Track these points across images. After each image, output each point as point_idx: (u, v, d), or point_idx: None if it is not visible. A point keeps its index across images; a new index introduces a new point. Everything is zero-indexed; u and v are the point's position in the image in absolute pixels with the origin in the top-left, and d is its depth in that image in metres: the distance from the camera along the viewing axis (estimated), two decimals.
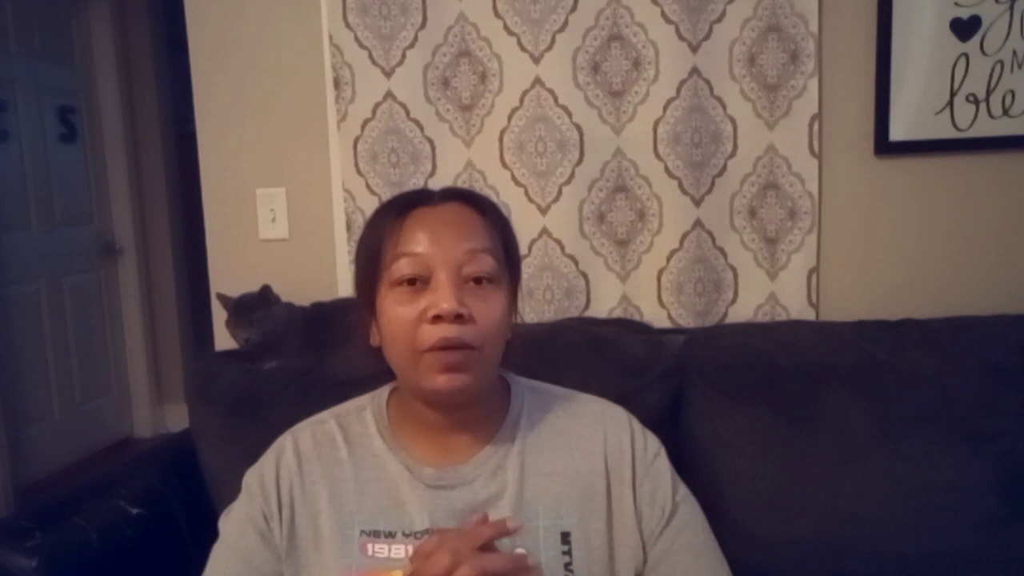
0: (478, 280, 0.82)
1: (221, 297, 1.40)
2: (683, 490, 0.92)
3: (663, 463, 0.91)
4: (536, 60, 1.47)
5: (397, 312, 0.82)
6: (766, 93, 1.44)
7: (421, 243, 0.82)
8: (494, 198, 1.48)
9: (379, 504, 0.85)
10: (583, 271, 1.52)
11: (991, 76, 1.41)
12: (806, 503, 1.18)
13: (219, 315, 1.50)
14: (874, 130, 1.44)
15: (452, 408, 0.86)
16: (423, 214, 0.85)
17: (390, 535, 0.83)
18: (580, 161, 1.48)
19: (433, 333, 0.79)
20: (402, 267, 0.82)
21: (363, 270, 0.87)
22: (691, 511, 0.91)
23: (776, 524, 1.18)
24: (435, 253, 0.82)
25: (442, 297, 0.79)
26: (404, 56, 1.50)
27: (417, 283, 0.82)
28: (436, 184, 1.47)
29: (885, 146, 1.44)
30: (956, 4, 1.39)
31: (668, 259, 1.49)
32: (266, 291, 1.37)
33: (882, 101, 1.43)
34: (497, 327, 0.83)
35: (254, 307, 1.36)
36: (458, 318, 0.79)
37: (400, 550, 0.82)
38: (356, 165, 1.54)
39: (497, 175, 1.51)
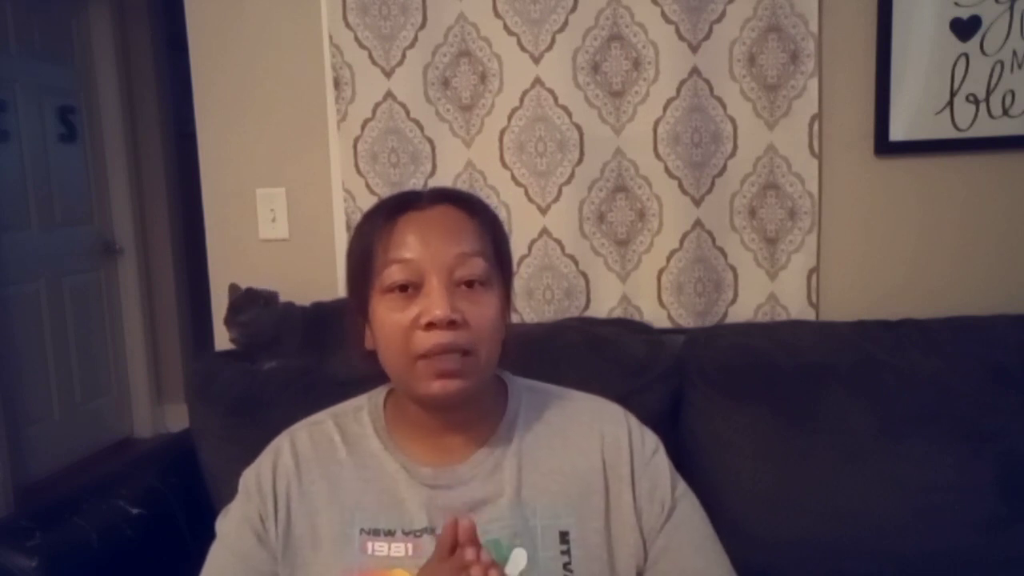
0: (470, 283, 0.82)
1: (232, 288, 1.39)
2: (682, 486, 0.92)
3: (661, 459, 0.91)
4: (536, 60, 1.47)
5: (390, 319, 0.82)
6: (766, 93, 1.44)
7: (411, 248, 0.82)
8: (494, 198, 1.49)
9: (379, 502, 0.85)
10: (583, 271, 1.52)
11: (991, 76, 1.41)
12: (806, 503, 1.18)
13: (219, 315, 1.50)
14: (874, 130, 1.44)
15: (448, 410, 0.86)
16: (412, 218, 0.84)
17: (390, 533, 0.84)
18: (580, 161, 1.48)
19: (427, 340, 0.79)
20: (393, 273, 0.82)
21: (354, 275, 0.87)
22: (690, 507, 0.91)
23: (776, 524, 1.18)
24: (426, 258, 0.81)
25: (435, 303, 0.79)
26: (404, 56, 1.50)
27: (409, 289, 0.82)
28: (435, 184, 1.48)
29: (885, 146, 1.44)
30: (956, 4, 1.39)
31: (668, 259, 1.49)
32: (251, 294, 1.36)
33: (882, 101, 1.43)
34: (491, 329, 0.83)
35: (241, 308, 1.36)
36: (451, 324, 0.79)
37: (400, 548, 0.83)
38: (356, 165, 1.54)
39: (497, 175, 1.51)
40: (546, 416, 0.91)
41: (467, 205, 0.88)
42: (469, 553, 0.71)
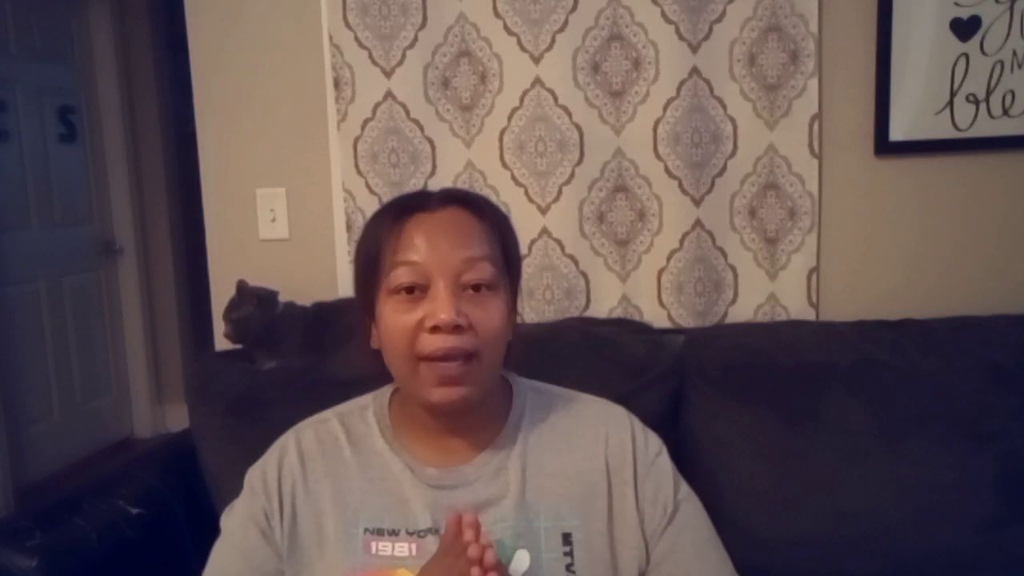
0: (476, 288, 0.82)
1: (239, 284, 1.39)
2: (685, 488, 0.92)
3: (664, 462, 0.91)
4: (536, 60, 1.47)
5: (396, 320, 0.82)
6: (766, 93, 1.44)
7: (419, 251, 0.82)
8: (494, 198, 1.48)
9: (383, 503, 0.85)
10: (583, 271, 1.52)
11: (991, 76, 1.41)
12: (806, 503, 1.18)
13: (220, 315, 1.50)
14: (874, 130, 1.44)
15: (452, 414, 0.86)
16: (421, 220, 0.85)
17: (394, 533, 0.84)
18: (580, 161, 1.48)
19: (431, 343, 0.80)
20: (400, 275, 0.82)
21: (362, 275, 0.87)
22: (693, 509, 0.91)
23: (776, 524, 1.18)
24: (433, 261, 0.81)
25: (440, 307, 0.79)
26: (404, 56, 1.50)
27: (415, 291, 0.82)
28: (436, 185, 1.48)
29: (885, 146, 1.44)
30: (956, 4, 1.39)
31: (668, 259, 1.49)
32: (246, 292, 1.36)
33: (882, 101, 1.43)
34: (496, 334, 0.83)
35: (235, 305, 1.36)
36: (456, 328, 0.79)
37: (404, 548, 0.83)
38: (356, 165, 1.54)
39: (497, 175, 1.51)
40: (551, 418, 0.91)
41: (476, 207, 0.88)
42: (468, 534, 0.72)
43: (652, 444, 0.92)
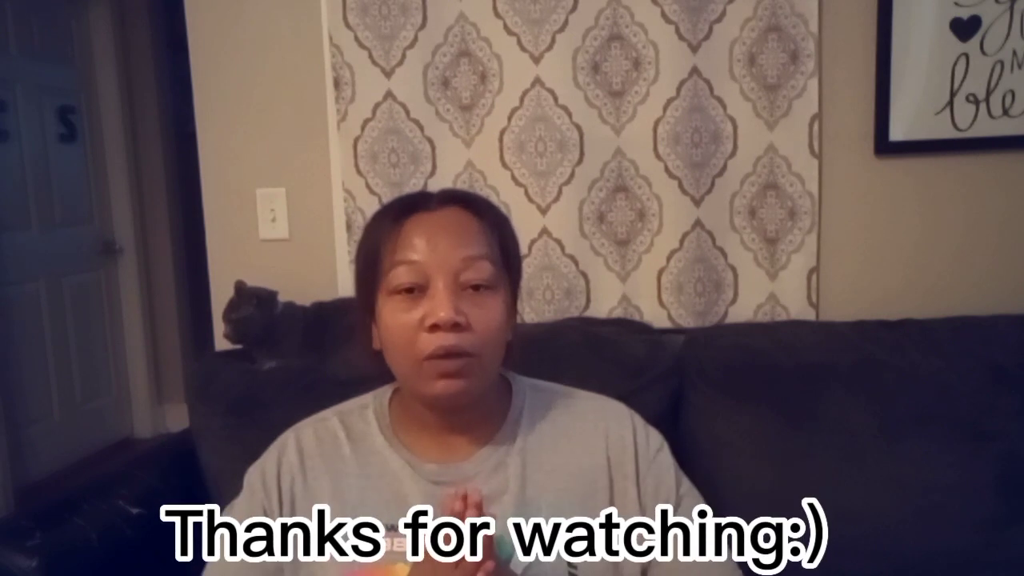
0: (476, 287, 0.83)
1: (238, 284, 1.39)
2: (686, 484, 0.92)
3: (666, 457, 0.92)
4: (536, 60, 1.47)
5: (396, 320, 0.82)
6: (766, 93, 1.44)
7: (418, 251, 0.82)
8: (494, 198, 1.49)
9: (382, 499, 0.86)
10: (583, 271, 1.52)
11: (991, 76, 1.41)
12: None
13: (220, 315, 1.50)
14: (874, 130, 1.44)
15: (453, 410, 0.86)
16: (420, 220, 0.85)
17: (392, 529, 0.84)
18: (580, 161, 1.48)
19: (431, 342, 0.80)
20: (399, 275, 0.82)
21: (362, 275, 0.88)
22: (695, 505, 0.91)
23: None
24: (432, 261, 0.82)
25: (439, 306, 0.80)
26: (404, 56, 1.50)
27: (415, 291, 0.82)
28: (436, 185, 1.48)
29: (885, 146, 1.44)
30: (956, 4, 1.39)
31: (668, 259, 1.49)
32: (245, 292, 1.36)
33: (882, 101, 1.43)
34: (495, 333, 0.83)
35: (235, 306, 1.36)
36: (456, 327, 0.80)
37: (402, 544, 0.83)
38: (356, 165, 1.54)
39: (497, 175, 1.51)
40: (550, 415, 0.91)
41: (476, 207, 0.88)
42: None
43: (653, 440, 0.92)
